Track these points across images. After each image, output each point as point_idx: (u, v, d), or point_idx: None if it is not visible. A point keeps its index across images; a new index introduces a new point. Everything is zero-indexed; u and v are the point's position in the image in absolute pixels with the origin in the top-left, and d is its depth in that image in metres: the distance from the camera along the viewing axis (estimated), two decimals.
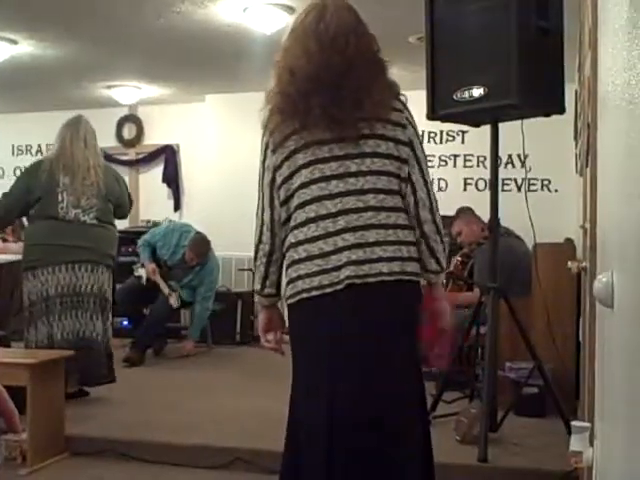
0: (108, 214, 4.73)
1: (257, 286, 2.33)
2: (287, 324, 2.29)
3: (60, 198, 4.50)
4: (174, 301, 6.31)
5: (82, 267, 4.53)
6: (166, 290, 6.31)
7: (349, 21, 2.23)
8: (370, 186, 2.15)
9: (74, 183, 4.52)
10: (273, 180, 2.23)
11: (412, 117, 2.26)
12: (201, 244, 6.45)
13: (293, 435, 2.22)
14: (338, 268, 2.09)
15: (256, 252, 2.30)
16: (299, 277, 2.15)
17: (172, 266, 6.43)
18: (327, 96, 2.16)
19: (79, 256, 4.51)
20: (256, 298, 2.44)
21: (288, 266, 2.21)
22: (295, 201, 2.19)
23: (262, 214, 2.26)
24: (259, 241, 2.28)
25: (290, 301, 2.20)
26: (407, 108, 2.26)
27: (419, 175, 2.22)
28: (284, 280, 2.25)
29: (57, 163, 4.54)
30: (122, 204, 4.87)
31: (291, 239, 2.19)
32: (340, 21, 2.21)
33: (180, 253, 6.41)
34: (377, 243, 2.11)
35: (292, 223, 2.19)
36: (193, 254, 6.37)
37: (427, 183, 2.24)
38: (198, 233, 6.51)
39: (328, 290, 2.10)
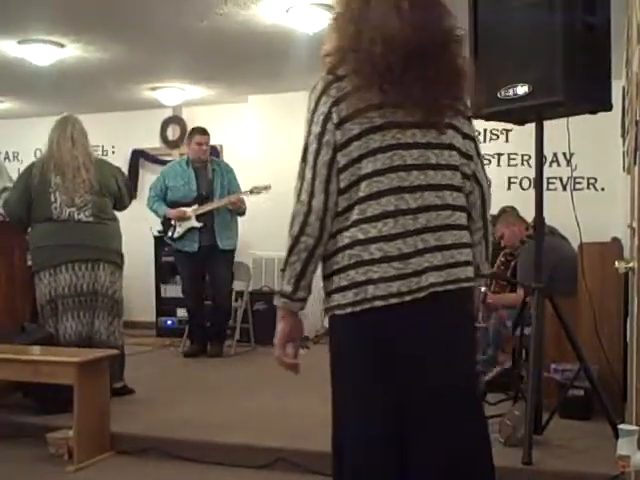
0: (106, 209, 4.71)
1: (287, 287, 1.92)
2: (334, 335, 1.96)
3: (53, 198, 4.52)
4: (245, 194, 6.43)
5: (82, 266, 4.53)
6: (221, 203, 6.34)
7: None
8: (447, 181, 1.92)
9: (65, 182, 4.53)
10: (333, 161, 1.86)
11: None
12: (197, 126, 6.63)
13: (337, 458, 1.96)
14: (419, 273, 1.84)
15: (293, 245, 1.90)
16: (370, 281, 1.83)
17: (198, 196, 6.39)
18: (428, 70, 1.86)
19: (77, 255, 4.51)
20: (278, 302, 1.96)
21: (350, 267, 1.86)
22: (364, 190, 1.85)
23: (310, 199, 1.88)
24: (300, 232, 1.89)
25: (350, 309, 1.86)
26: None
27: (483, 174, 2.06)
28: (334, 283, 1.90)
29: (48, 164, 4.56)
30: (120, 198, 4.83)
31: (358, 235, 1.85)
32: None
33: (194, 181, 6.41)
34: (454, 246, 1.91)
35: (358, 216, 1.85)
36: (196, 134, 6.44)
37: (488, 182, 2.09)
38: None
39: (407, 298, 1.83)
